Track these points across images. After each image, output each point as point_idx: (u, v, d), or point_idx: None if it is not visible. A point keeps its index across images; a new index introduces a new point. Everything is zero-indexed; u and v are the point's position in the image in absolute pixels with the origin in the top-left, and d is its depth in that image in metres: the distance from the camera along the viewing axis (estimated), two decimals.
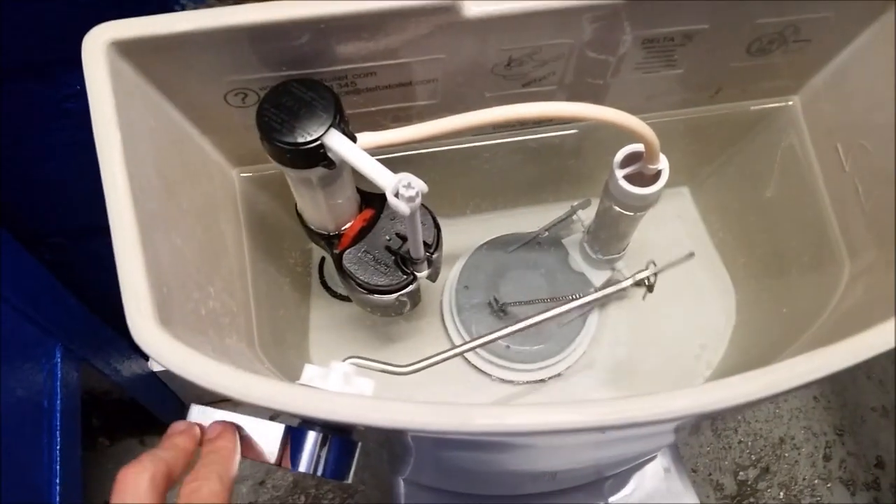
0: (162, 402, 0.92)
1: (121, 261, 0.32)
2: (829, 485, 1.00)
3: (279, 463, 0.34)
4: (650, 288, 0.50)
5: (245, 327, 0.43)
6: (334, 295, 0.60)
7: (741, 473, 1.00)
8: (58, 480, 0.61)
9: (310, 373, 0.36)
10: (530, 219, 0.60)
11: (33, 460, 0.59)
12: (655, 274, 0.50)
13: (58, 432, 0.63)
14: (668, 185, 0.59)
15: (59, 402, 0.64)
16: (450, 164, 0.53)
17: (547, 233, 0.58)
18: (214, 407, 0.35)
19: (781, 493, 0.99)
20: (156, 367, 0.88)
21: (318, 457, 0.33)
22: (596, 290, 0.51)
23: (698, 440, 1.02)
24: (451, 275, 0.58)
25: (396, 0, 0.37)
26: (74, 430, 0.66)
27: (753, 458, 1.01)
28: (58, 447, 0.62)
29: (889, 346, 0.33)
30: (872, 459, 1.01)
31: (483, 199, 0.60)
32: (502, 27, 0.39)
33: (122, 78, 0.36)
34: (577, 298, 0.49)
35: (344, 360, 0.37)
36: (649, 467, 0.62)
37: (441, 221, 0.47)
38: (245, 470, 0.98)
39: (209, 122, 0.42)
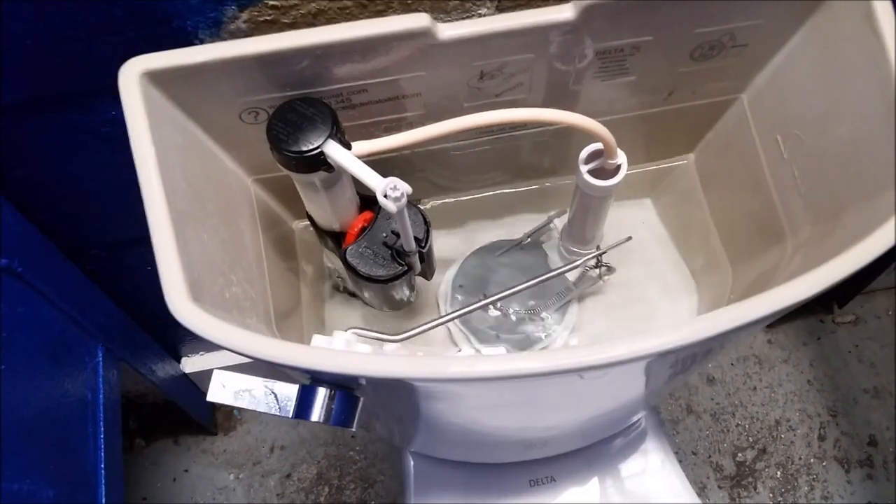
0: (193, 401, 0.99)
1: (158, 249, 0.39)
2: (824, 463, 1.05)
3: (296, 416, 0.40)
4: (607, 268, 0.57)
5: (264, 312, 0.50)
6: (344, 290, 0.66)
7: (739, 455, 1.06)
8: (102, 466, 0.68)
9: (317, 341, 0.43)
10: (515, 227, 0.67)
11: (80, 446, 0.66)
12: (602, 254, 0.57)
13: (101, 423, 0.70)
14: (633, 197, 0.67)
15: (101, 396, 0.71)
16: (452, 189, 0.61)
17: (529, 239, 0.65)
18: (237, 373, 0.41)
19: (779, 473, 1.04)
20: (187, 369, 0.96)
21: (328, 408, 0.40)
22: (554, 271, 0.58)
23: (697, 425, 1.08)
24: (447, 276, 0.65)
25: (380, 27, 0.44)
26: (115, 421, 0.73)
27: (751, 440, 1.07)
28: (102, 435, 0.69)
29: (800, 297, 0.38)
30: (865, 438, 1.06)
31: (475, 211, 0.67)
32: (472, 46, 0.46)
33: (153, 102, 0.43)
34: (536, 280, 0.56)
35: (346, 330, 0.44)
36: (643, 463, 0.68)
37: (439, 231, 0.54)
38: (272, 464, 1.05)
39: (227, 137, 0.49)
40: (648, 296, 0.64)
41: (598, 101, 0.54)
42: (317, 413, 0.40)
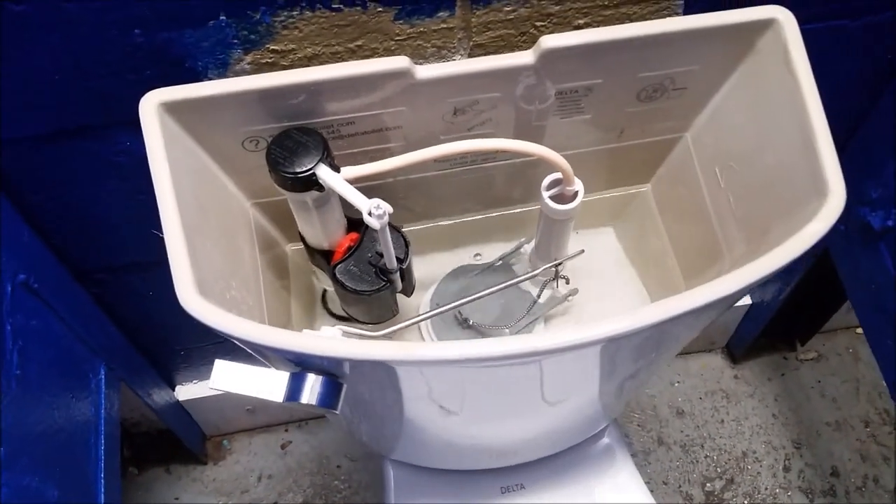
0: (186, 428, 1.04)
1: (171, 250, 0.45)
2: (789, 493, 1.10)
3: (288, 399, 0.46)
4: (563, 279, 0.63)
5: (259, 318, 0.56)
6: (334, 316, 0.72)
7: (708, 485, 1.10)
8: (102, 475, 0.73)
9: (307, 333, 0.49)
10: (488, 251, 0.74)
11: (83, 454, 0.71)
12: (558, 265, 0.64)
13: (102, 435, 0.75)
14: (595, 225, 0.74)
15: (102, 410, 0.76)
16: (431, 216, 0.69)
17: (500, 262, 0.71)
18: (236, 363, 0.47)
19: (746, 502, 1.09)
20: (181, 397, 1.00)
21: (314, 392, 0.45)
22: (516, 280, 0.64)
23: (668, 456, 1.12)
24: (426, 296, 0.71)
25: (366, 67, 0.51)
26: (114, 435, 0.78)
27: (719, 470, 1.11)
28: (102, 447, 0.74)
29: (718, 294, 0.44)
30: (828, 469, 1.11)
31: (452, 237, 0.74)
32: (446, 86, 0.53)
33: (168, 128, 0.50)
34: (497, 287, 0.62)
35: (333, 326, 0.50)
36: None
37: (420, 256, 0.60)
38: (260, 492, 1.09)
39: (230, 163, 0.56)
40: (609, 314, 0.70)
41: (560, 136, 0.61)
42: (306, 395, 0.45)
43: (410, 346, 0.42)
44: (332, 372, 0.46)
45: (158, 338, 0.89)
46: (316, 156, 0.51)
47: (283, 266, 0.67)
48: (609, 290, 0.71)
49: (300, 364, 0.46)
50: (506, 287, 0.62)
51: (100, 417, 0.75)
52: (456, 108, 0.56)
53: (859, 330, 1.21)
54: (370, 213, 0.50)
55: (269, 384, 0.46)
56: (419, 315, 0.58)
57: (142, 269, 0.76)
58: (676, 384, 1.19)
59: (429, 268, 0.71)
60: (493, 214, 0.72)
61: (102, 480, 0.73)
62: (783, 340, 1.21)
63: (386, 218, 0.50)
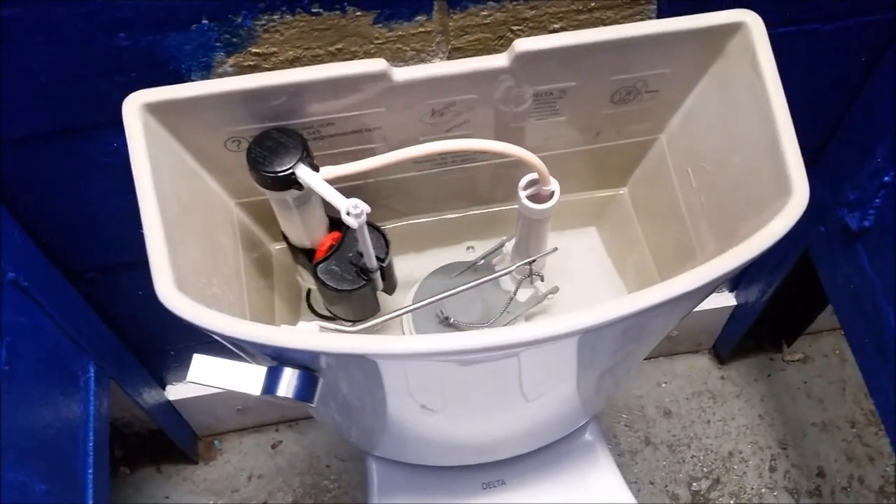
0: (177, 428, 1.05)
1: (150, 245, 0.47)
2: (775, 493, 1.11)
3: (265, 392, 0.47)
4: (538, 276, 0.65)
5: (240, 315, 0.57)
6: (318, 315, 0.73)
7: (694, 484, 1.11)
8: (90, 471, 0.74)
9: (285, 328, 0.50)
10: (470, 251, 0.75)
11: (71, 451, 0.72)
12: (532, 262, 0.65)
13: (91, 433, 0.76)
14: (578, 225, 0.75)
15: (91, 408, 0.77)
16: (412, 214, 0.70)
17: (483, 261, 0.73)
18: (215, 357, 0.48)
19: (732, 502, 1.10)
20: (171, 396, 1.02)
21: (290, 385, 0.47)
22: (491, 275, 0.65)
23: (654, 455, 1.13)
24: (408, 295, 0.72)
25: (345, 69, 0.52)
26: (103, 433, 0.79)
27: (705, 470, 1.12)
28: (91, 444, 0.75)
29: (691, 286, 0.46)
30: (814, 470, 1.12)
31: (434, 235, 0.75)
32: (423, 87, 0.55)
33: (150, 129, 0.51)
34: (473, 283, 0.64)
35: (310, 322, 0.51)
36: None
37: (403, 255, 0.62)
38: (250, 492, 1.10)
39: (213, 163, 0.57)
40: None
41: (538, 137, 0.63)
42: (282, 389, 0.46)
43: (383, 339, 0.43)
44: (309, 366, 0.47)
45: (149, 337, 0.90)
46: (295, 155, 0.52)
47: (268, 265, 0.68)
48: (590, 289, 0.72)
49: (277, 358, 0.47)
50: (481, 283, 0.63)
51: (89, 415, 0.76)
52: (434, 109, 0.57)
53: None
54: (348, 213, 0.51)
55: (246, 378, 0.47)
56: (398, 310, 0.59)
57: (132, 268, 0.78)
58: (663, 385, 1.20)
59: (412, 266, 0.73)
60: (477, 212, 0.73)
61: (91, 477, 0.74)
62: (769, 341, 1.22)
63: (364, 217, 0.52)
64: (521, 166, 0.59)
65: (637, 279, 0.71)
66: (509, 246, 0.71)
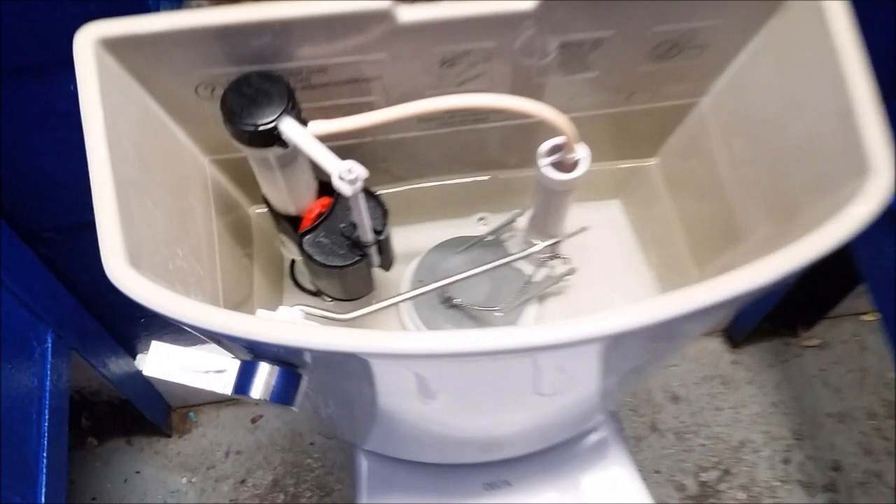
0: (148, 400, 0.97)
1: (99, 211, 0.38)
2: (787, 486, 1.05)
3: (235, 392, 0.39)
4: (564, 262, 0.56)
5: (211, 292, 0.49)
6: (303, 290, 0.65)
7: (702, 475, 1.05)
8: (44, 455, 0.66)
9: (261, 314, 0.42)
10: (477, 224, 0.67)
11: (22, 434, 0.64)
12: (556, 243, 0.57)
13: (46, 411, 0.68)
14: (600, 198, 0.67)
15: (48, 383, 0.69)
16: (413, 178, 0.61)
17: (492, 236, 0.65)
18: (177, 346, 0.40)
19: (742, 494, 1.04)
20: (145, 371, 0.94)
21: (268, 384, 0.39)
22: (509, 258, 0.57)
23: (661, 443, 1.07)
24: (407, 272, 0.64)
25: (341, 6, 0.43)
26: (62, 411, 0.71)
27: (714, 460, 1.06)
28: (46, 424, 0.68)
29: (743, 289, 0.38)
30: (829, 463, 1.06)
31: (437, 204, 0.67)
32: (432, 32, 0.46)
33: (107, 69, 0.42)
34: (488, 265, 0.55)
35: (293, 307, 0.43)
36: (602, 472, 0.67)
37: (400, 228, 0.54)
38: (227, 469, 1.03)
39: (182, 112, 0.49)
40: (610, 299, 0.63)
41: (561, 96, 0.54)
42: (257, 389, 0.39)
43: (382, 336, 0.35)
44: (290, 362, 0.39)
45: (115, 303, 0.82)
46: (279, 106, 0.44)
47: (246, 231, 0.60)
48: (610, 270, 0.64)
49: (252, 351, 0.39)
50: (496, 266, 0.55)
51: (44, 391, 0.69)
52: (444, 58, 0.49)
53: (866, 317, 1.15)
54: (341, 178, 0.43)
55: (213, 374, 0.40)
56: (394, 296, 0.51)
57: (93, 228, 0.69)
58: (672, 367, 1.13)
59: (412, 238, 0.64)
60: (486, 179, 0.65)
61: (45, 460, 0.66)
62: (785, 325, 1.15)
63: (360, 184, 0.44)
64: (539, 129, 0.51)
65: (666, 262, 0.63)
66: (523, 220, 0.63)
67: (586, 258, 0.63)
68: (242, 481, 1.02)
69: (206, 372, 0.40)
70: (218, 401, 1.07)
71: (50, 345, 0.70)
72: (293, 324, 0.37)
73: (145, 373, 0.40)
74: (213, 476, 1.02)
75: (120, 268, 0.37)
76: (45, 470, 0.66)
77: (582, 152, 0.51)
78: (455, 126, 0.56)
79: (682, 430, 1.08)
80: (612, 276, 0.63)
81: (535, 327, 0.36)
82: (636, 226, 0.66)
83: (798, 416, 1.10)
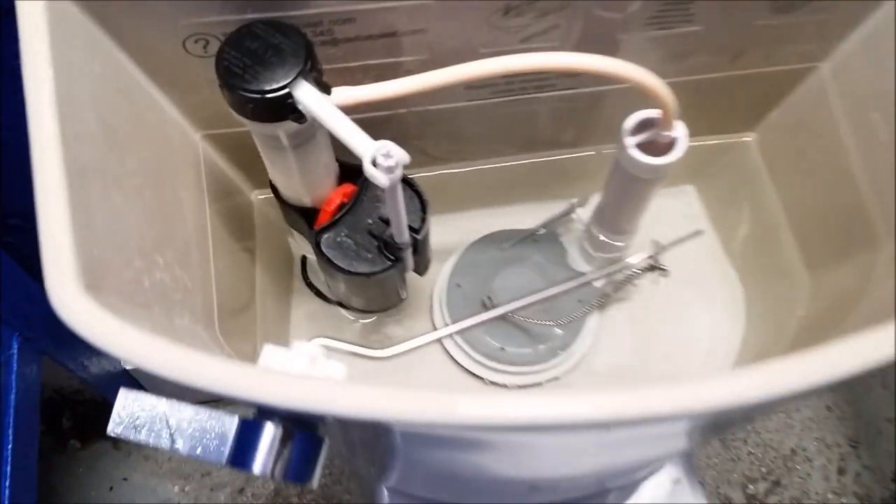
0: None
1: (42, 211, 0.27)
2: (843, 499, 0.94)
3: (231, 463, 0.29)
4: (662, 270, 0.45)
5: (202, 306, 0.38)
6: (318, 295, 0.54)
7: (750, 487, 0.95)
8: (7, 483, 0.56)
9: (269, 353, 0.31)
10: (527, 215, 0.55)
11: None
12: (658, 254, 0.45)
13: (11, 428, 0.58)
14: (670, 183, 0.55)
15: (13, 396, 0.59)
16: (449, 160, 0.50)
17: (544, 230, 0.53)
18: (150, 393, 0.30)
19: None
20: (129, 366, 0.83)
21: (277, 455, 0.28)
22: (596, 273, 0.46)
23: (705, 451, 0.97)
24: (442, 272, 0.53)
25: None
26: (31, 426, 0.61)
27: (763, 470, 0.96)
28: (10, 446, 0.57)
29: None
30: (889, 473, 0.96)
31: (477, 190, 0.56)
32: None
33: (61, 14, 0.31)
34: (570, 283, 0.44)
35: (310, 340, 0.32)
36: (656, 479, 0.57)
37: (434, 215, 0.42)
38: (224, 476, 0.92)
39: (167, 73, 0.37)
40: (686, 308, 0.52)
41: (645, 58, 0.42)
42: (261, 462, 0.28)
43: (443, 400, 0.24)
44: (307, 421, 0.29)
45: None
46: (294, 65, 0.32)
47: (247, 222, 0.49)
48: (687, 273, 0.53)
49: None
50: (577, 286, 0.44)
51: (9, 405, 0.58)
52: (509, 5, 0.37)
53: None
54: (375, 163, 0.32)
55: (203, 435, 0.29)
56: (433, 332, 0.39)
57: None
58: None
59: (446, 231, 0.53)
60: (534, 161, 0.54)
61: (8, 478, 0.56)
62: None
63: (399, 171, 0.33)
64: (604, 101, 0.40)
65: (762, 265, 0.52)
66: (582, 211, 0.52)
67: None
68: (241, 490, 0.92)
69: (192, 434, 0.29)
70: (213, 400, 0.96)
71: (16, 351, 0.59)
72: (309, 379, 0.26)
73: (109, 432, 0.29)
74: (208, 484, 0.92)
75: (69, 293, 0.26)
76: (7, 490, 0.56)
77: (680, 130, 0.40)
78: (513, 94, 0.45)
79: (729, 437, 0.98)
80: (690, 281, 0.53)
81: (633, 394, 0.25)
82: (718, 216, 0.55)
83: (854, 421, 0.99)
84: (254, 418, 0.28)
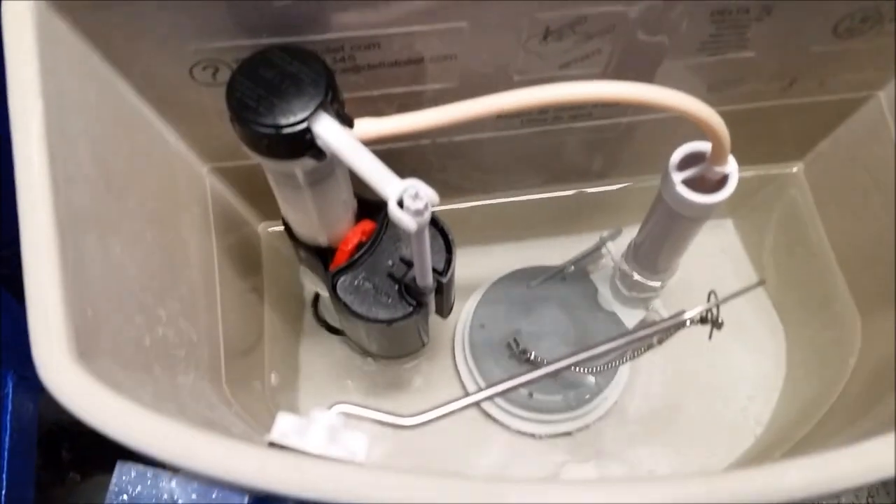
0: None
1: (29, 268, 0.24)
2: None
3: None
4: (716, 324, 0.41)
5: (208, 360, 0.34)
6: (330, 329, 0.50)
7: None
8: None
9: (283, 424, 0.27)
10: (553, 249, 0.52)
11: None
12: (717, 306, 0.41)
13: (4, 474, 0.54)
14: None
15: (7, 437, 0.55)
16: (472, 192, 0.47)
17: (573, 267, 0.50)
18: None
19: None
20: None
21: None
22: (647, 329, 0.42)
23: None
24: (465, 311, 0.50)
25: None
26: (26, 471, 0.57)
27: None
28: (3, 491, 0.53)
29: None
30: None
31: (501, 224, 0.52)
32: None
33: (53, 36, 0.28)
34: (619, 339, 0.40)
35: (330, 408, 0.28)
36: None
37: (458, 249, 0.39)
38: None
39: (172, 103, 0.34)
40: (723, 353, 0.49)
41: (691, 86, 0.39)
42: None
43: (492, 488, 0.21)
44: None
45: None
46: (314, 98, 0.29)
47: (254, 257, 0.45)
48: (723, 312, 0.49)
49: None
50: (630, 342, 0.40)
51: (3, 449, 0.54)
52: (549, 28, 0.34)
53: None
54: (401, 205, 0.28)
55: None
56: (465, 397, 0.35)
57: None
58: None
59: (468, 267, 0.50)
60: (562, 195, 0.51)
61: None
62: None
63: (428, 214, 0.29)
64: (635, 131, 0.37)
65: (810, 310, 0.48)
66: (614, 247, 0.49)
67: (684, 295, 0.48)
68: None
69: None
70: None
71: (10, 390, 0.56)
72: (331, 466, 0.22)
73: None
74: None
75: (56, 364, 0.23)
76: None
77: (731, 165, 0.37)
78: (546, 125, 0.42)
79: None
80: (726, 322, 0.49)
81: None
82: (755, 251, 0.52)
83: None
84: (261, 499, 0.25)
